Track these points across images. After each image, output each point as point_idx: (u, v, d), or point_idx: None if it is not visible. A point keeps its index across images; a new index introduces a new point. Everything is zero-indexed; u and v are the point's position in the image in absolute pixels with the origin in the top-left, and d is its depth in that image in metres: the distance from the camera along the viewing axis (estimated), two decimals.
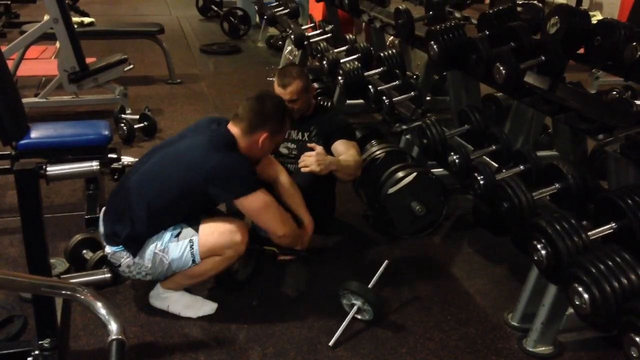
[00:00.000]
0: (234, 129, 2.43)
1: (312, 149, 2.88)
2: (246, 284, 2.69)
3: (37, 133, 3.21)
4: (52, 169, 1.97)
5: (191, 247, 2.33)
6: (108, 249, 2.39)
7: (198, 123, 2.57)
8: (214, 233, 2.35)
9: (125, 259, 2.36)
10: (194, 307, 2.52)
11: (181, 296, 2.52)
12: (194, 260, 2.35)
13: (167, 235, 2.35)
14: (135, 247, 2.35)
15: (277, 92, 2.94)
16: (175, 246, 2.34)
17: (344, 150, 2.97)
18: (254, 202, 2.34)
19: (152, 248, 2.35)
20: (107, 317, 1.38)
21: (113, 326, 1.35)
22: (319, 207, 2.92)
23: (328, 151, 2.95)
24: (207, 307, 2.53)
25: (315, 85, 4.71)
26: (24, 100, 3.86)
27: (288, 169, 3.05)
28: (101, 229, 2.45)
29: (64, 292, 1.53)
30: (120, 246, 2.35)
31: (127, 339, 1.35)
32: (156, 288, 2.53)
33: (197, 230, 2.36)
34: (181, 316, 2.49)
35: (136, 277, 2.44)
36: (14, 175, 1.90)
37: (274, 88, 2.99)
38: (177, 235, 2.35)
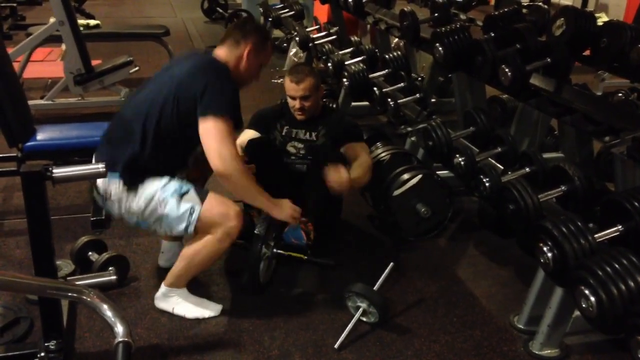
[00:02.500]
0: (219, 51, 2.50)
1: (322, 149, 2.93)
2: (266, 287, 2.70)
3: (44, 135, 3.22)
4: (59, 171, 1.97)
5: (190, 214, 2.32)
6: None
7: (180, 56, 2.60)
8: (214, 209, 2.34)
9: (117, 187, 2.33)
10: (199, 308, 2.52)
11: (186, 297, 2.52)
12: (187, 228, 2.33)
13: (172, 188, 2.33)
14: (130, 175, 2.32)
15: (290, 88, 2.95)
16: (175, 205, 2.32)
17: (356, 156, 2.99)
18: (213, 125, 2.28)
19: (153, 191, 2.32)
20: (113, 319, 1.38)
21: (119, 328, 1.35)
22: (326, 209, 2.93)
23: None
24: (212, 309, 2.54)
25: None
26: (30, 102, 3.87)
27: (296, 169, 3.05)
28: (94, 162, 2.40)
29: (70, 294, 1.53)
30: (116, 173, 2.32)
31: (133, 342, 1.34)
32: (161, 288, 2.53)
33: (202, 200, 2.34)
34: (186, 318, 2.50)
35: (123, 215, 2.40)
36: (20, 177, 1.90)
37: (285, 85, 2.99)
38: (182, 195, 2.33)
